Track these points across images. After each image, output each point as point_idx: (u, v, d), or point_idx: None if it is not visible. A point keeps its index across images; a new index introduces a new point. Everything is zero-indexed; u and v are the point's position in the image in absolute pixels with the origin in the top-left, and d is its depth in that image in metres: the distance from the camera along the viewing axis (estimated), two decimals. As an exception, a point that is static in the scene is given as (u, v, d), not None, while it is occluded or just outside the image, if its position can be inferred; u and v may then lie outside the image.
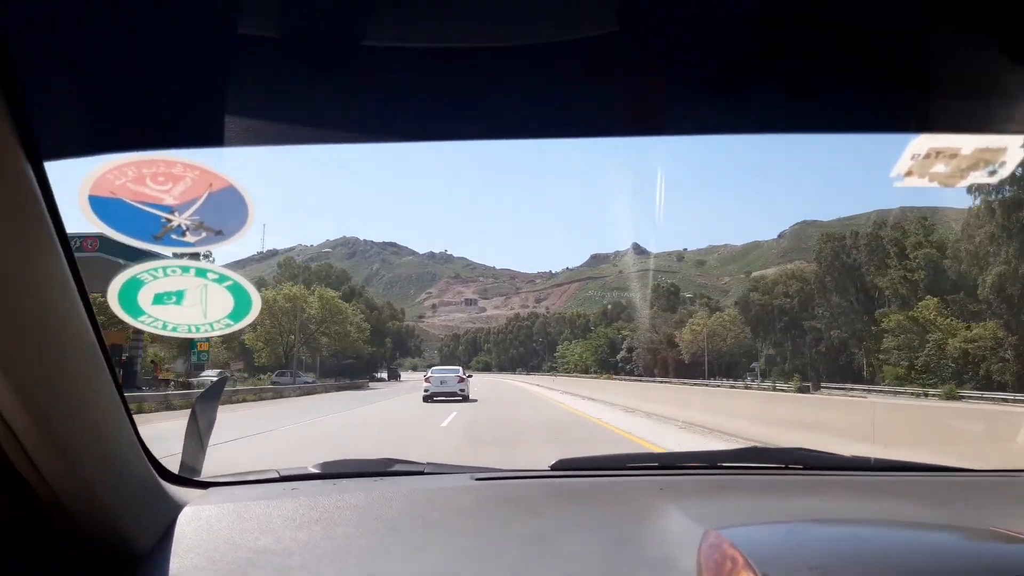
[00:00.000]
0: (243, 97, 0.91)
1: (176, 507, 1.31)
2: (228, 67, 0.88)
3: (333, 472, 1.64)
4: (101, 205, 0.96)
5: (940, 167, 1.05)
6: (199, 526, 1.28)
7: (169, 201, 0.98)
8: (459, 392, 25.45)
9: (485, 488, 1.55)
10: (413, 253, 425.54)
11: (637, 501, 1.48)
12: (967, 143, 1.03)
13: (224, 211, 1.00)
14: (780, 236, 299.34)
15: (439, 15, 0.82)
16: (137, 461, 1.20)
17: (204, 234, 1.02)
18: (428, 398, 25.12)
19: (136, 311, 1.11)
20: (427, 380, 26.30)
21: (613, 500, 1.50)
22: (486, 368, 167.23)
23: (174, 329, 1.15)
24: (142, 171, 0.94)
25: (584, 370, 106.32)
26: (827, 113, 1.03)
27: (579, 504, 1.47)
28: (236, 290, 1.14)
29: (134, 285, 1.09)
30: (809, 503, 1.52)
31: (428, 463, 1.73)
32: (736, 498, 1.55)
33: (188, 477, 1.49)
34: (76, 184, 0.94)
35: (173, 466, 1.46)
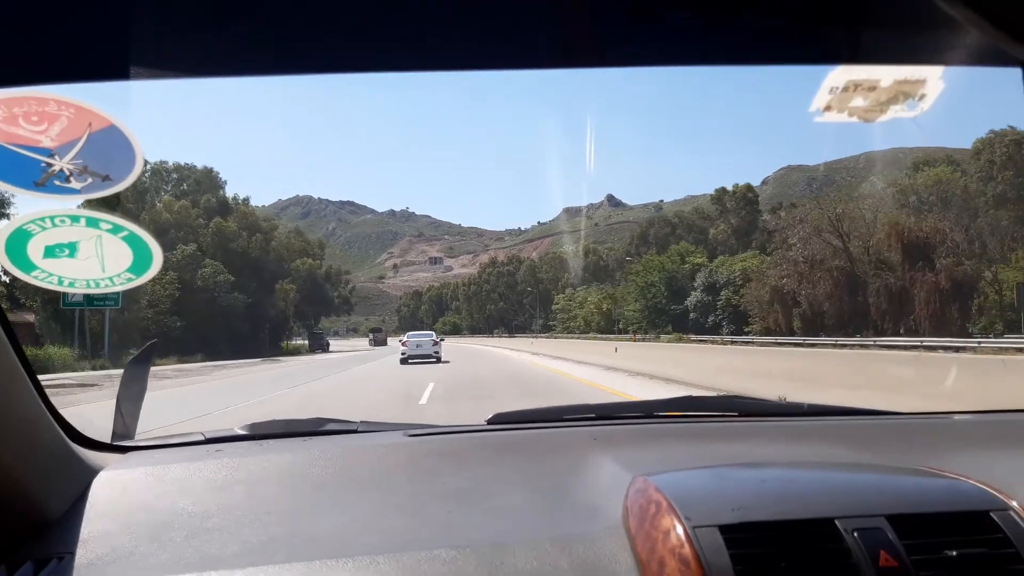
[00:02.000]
0: (126, 28, 0.86)
1: (91, 472, 1.27)
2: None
3: (261, 433, 1.60)
4: None
5: (859, 100, 1.03)
6: (114, 490, 1.24)
7: (47, 143, 0.91)
8: (433, 354, 28.07)
9: (418, 443, 1.53)
10: (372, 212, 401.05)
11: (571, 451, 1.46)
12: (886, 75, 1.00)
13: (108, 153, 0.94)
14: (764, 183, 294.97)
15: None
16: (44, 425, 1.16)
17: (90, 179, 0.96)
18: (404, 360, 27.46)
19: (27, 266, 1.05)
20: (404, 344, 29.08)
21: (547, 451, 1.49)
22: (455, 331, 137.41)
23: (71, 284, 1.09)
24: (12, 110, 0.88)
25: (605, 329, 65.34)
26: (747, 44, 1.00)
27: (512, 456, 1.46)
28: (134, 241, 1.08)
29: (21, 237, 1.02)
30: (741, 448, 1.52)
31: (362, 421, 1.70)
32: (669, 446, 1.55)
33: (105, 441, 1.44)
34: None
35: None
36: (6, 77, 0.87)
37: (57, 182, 0.94)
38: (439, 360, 27.72)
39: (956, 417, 1.80)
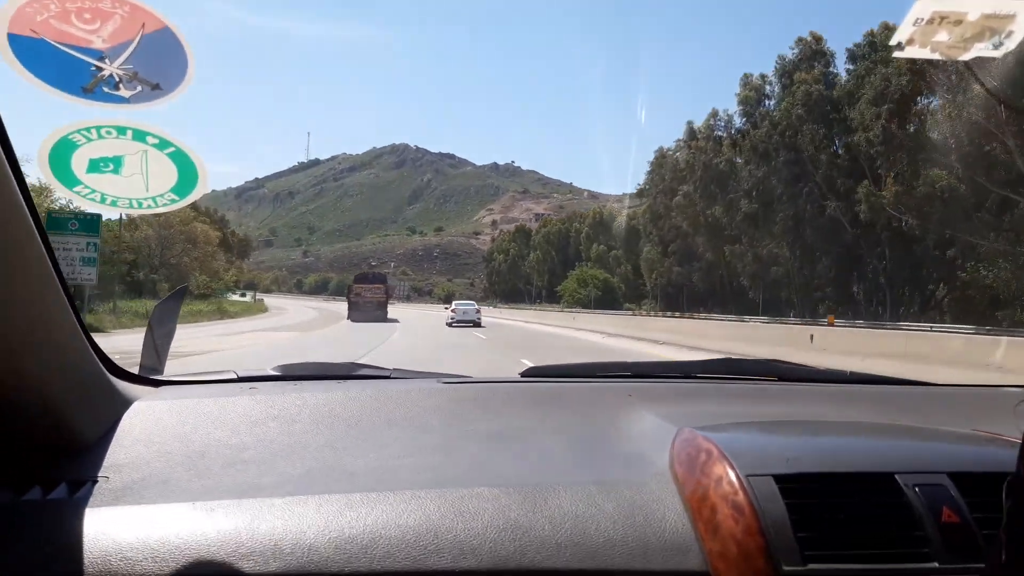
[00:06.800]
0: None
1: (126, 402, 1.27)
2: None
3: (295, 374, 1.58)
4: (22, 46, 0.85)
5: (943, 35, 0.98)
6: (148, 419, 1.23)
7: (99, 44, 0.87)
8: (475, 320, 34.64)
9: (452, 390, 1.50)
10: (472, 164, 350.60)
11: (608, 404, 1.44)
12: (974, 6, 0.96)
13: (160, 59, 0.90)
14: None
15: None
16: (83, 355, 1.14)
17: (139, 87, 0.92)
18: (450, 324, 33.42)
19: (71, 180, 1.01)
20: (452, 311, 35.57)
21: (583, 404, 1.46)
22: (608, 298, 74.00)
23: (114, 203, 1.05)
24: (65, 5, 0.84)
25: None
26: None
27: (548, 406, 1.43)
28: (180, 158, 1.04)
29: (66, 147, 0.98)
30: (783, 409, 1.49)
31: (395, 368, 1.68)
32: (709, 404, 1.52)
33: (140, 375, 1.43)
34: None
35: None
36: None
37: (106, 88, 0.90)
38: (477, 324, 33.59)
39: (1005, 389, 1.77)
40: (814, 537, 0.92)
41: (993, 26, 0.97)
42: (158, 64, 0.91)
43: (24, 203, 0.91)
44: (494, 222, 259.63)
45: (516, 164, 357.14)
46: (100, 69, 0.89)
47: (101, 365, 1.21)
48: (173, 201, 1.07)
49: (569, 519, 0.98)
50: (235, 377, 1.53)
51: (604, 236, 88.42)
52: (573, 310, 53.43)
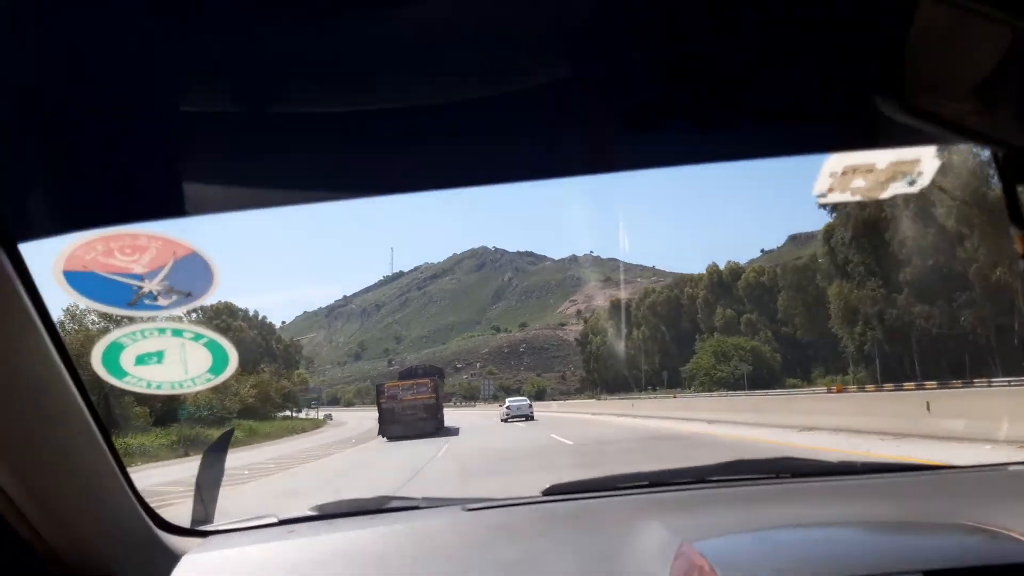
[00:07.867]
0: (204, 168, 1.02)
1: (174, 557, 1.38)
2: (181, 143, 0.99)
3: (329, 513, 1.71)
4: (76, 279, 1.06)
5: (859, 182, 1.09)
6: (197, 574, 1.36)
7: (138, 270, 1.08)
8: (528, 415, 35.00)
9: (475, 517, 1.60)
10: (551, 259, 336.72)
11: (623, 520, 1.51)
12: (880, 157, 1.06)
13: (190, 275, 1.10)
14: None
15: (403, 79, 0.91)
16: (131, 514, 1.28)
17: (174, 297, 1.11)
18: (505, 420, 34.34)
19: (119, 373, 1.21)
20: (507, 408, 36.23)
21: (600, 520, 1.54)
22: (759, 376, 58.84)
23: (158, 386, 1.24)
24: (110, 245, 1.05)
25: None
26: (744, 142, 1.09)
27: (566, 526, 1.52)
28: (212, 346, 1.23)
29: (115, 349, 1.19)
30: (792, 510, 1.54)
31: (423, 498, 1.79)
32: (720, 510, 1.57)
33: (186, 527, 1.57)
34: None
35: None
36: (105, 220, 1.04)
37: (147, 301, 1.10)
38: (529, 419, 33.55)
39: (1011, 468, 1.77)
40: None
41: (903, 169, 1.07)
42: (189, 280, 1.11)
43: (74, 385, 1.10)
44: (579, 311, 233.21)
45: (595, 254, 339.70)
46: (140, 288, 1.09)
47: (150, 521, 1.36)
48: (209, 379, 1.26)
49: None
50: (276, 521, 1.67)
51: (726, 300, 74.85)
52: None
